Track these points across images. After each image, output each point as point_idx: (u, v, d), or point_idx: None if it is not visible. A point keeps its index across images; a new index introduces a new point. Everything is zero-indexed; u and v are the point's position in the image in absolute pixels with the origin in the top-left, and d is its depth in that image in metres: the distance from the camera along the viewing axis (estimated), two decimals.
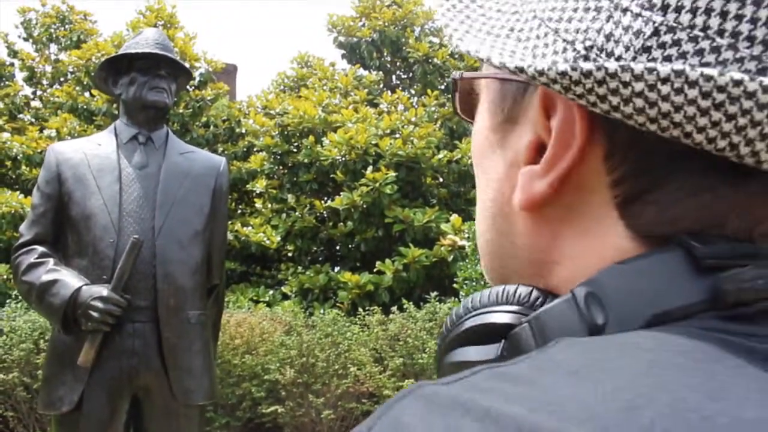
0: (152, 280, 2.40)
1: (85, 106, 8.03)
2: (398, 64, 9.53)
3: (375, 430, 0.29)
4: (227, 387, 4.78)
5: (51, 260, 2.40)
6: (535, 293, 0.42)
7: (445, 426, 0.28)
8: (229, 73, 10.26)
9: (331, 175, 6.90)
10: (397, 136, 6.94)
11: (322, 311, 5.50)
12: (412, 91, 9.41)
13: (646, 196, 0.37)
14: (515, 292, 0.42)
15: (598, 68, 0.34)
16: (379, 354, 4.86)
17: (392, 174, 6.44)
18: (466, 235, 5.00)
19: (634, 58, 0.35)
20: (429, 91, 8.16)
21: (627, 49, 0.35)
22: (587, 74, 0.34)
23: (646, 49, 0.35)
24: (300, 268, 6.84)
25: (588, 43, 0.36)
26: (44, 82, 9.69)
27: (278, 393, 4.80)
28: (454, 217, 6.26)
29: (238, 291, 6.64)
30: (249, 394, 4.80)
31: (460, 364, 0.43)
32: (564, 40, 0.38)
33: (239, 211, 8.25)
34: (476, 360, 0.42)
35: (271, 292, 6.65)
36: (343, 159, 6.78)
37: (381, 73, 9.44)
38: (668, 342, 0.32)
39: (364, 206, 6.51)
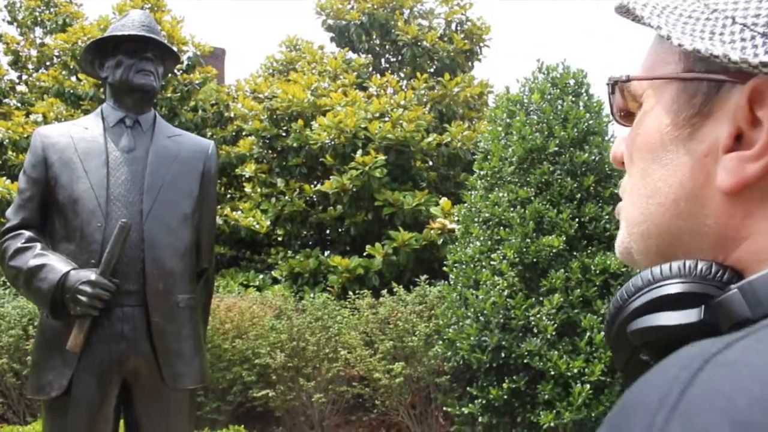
0: (141, 264, 2.39)
1: (71, 91, 7.96)
2: (387, 47, 9.48)
3: (689, 401, 0.33)
4: (218, 371, 4.78)
5: (38, 245, 2.38)
6: (715, 267, 0.47)
7: (763, 387, 0.32)
8: (217, 56, 10.19)
9: (321, 159, 6.88)
10: (387, 119, 6.92)
11: (312, 295, 5.50)
12: (402, 75, 9.37)
13: None
14: (696, 265, 0.48)
15: None
16: (369, 337, 4.88)
17: (381, 157, 6.43)
18: (456, 219, 5.00)
19: None
20: (418, 74, 8.13)
21: None
22: None
23: None
24: (290, 252, 6.84)
25: None
26: (30, 66, 9.59)
27: (269, 377, 4.81)
28: (444, 201, 6.26)
29: (228, 275, 6.63)
30: (239, 378, 4.81)
31: (658, 329, 0.48)
32: None
33: (228, 196, 8.23)
34: (675, 323, 0.47)
35: (261, 276, 6.65)
36: (333, 143, 6.75)
37: (370, 56, 9.39)
38: None
39: (354, 190, 6.50)
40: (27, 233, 2.40)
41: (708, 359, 0.35)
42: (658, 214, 0.52)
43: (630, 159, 0.56)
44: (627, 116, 0.58)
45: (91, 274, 2.27)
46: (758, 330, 0.38)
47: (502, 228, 4.11)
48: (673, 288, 0.48)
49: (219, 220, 6.86)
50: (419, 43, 8.90)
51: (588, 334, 3.74)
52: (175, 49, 2.63)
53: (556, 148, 4.12)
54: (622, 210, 0.58)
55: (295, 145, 7.00)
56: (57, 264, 2.32)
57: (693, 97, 0.49)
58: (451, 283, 4.40)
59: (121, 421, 2.52)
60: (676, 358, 0.37)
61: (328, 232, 7.33)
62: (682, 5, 0.50)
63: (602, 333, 3.65)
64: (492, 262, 4.08)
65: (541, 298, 3.87)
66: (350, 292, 5.43)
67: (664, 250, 0.53)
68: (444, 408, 4.41)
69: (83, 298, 2.23)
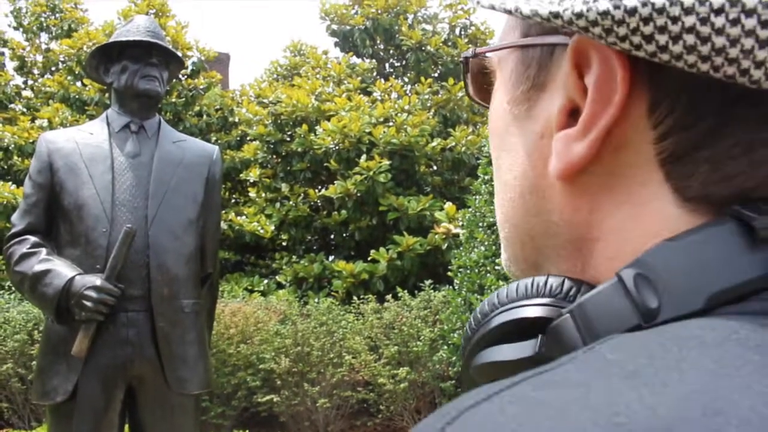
0: (146, 270, 2.39)
1: (76, 96, 7.99)
2: (391, 51, 9.49)
3: None
4: (222, 376, 4.78)
5: (44, 250, 2.38)
6: (567, 283, 0.39)
7: None
8: (221, 61, 10.21)
9: (325, 164, 6.88)
10: (391, 124, 6.92)
11: (316, 300, 5.50)
12: (406, 79, 9.38)
13: (696, 153, 0.34)
14: (546, 283, 0.39)
15: (644, 4, 0.31)
16: (374, 342, 4.87)
17: (386, 162, 6.43)
18: (460, 223, 5.00)
19: None
20: (422, 78, 8.14)
21: None
22: (632, 12, 0.31)
23: None
24: (294, 257, 6.84)
25: None
26: (35, 71, 9.62)
27: (273, 382, 4.80)
28: (448, 205, 6.25)
29: (233, 280, 6.63)
30: (244, 383, 4.81)
31: (493, 365, 0.40)
32: None
33: (233, 201, 8.23)
34: (511, 359, 0.39)
35: (265, 281, 6.65)
36: (337, 147, 6.76)
37: (374, 61, 9.40)
38: (733, 333, 0.29)
39: (358, 195, 6.50)
40: (32, 238, 2.41)
41: (457, 416, 0.27)
42: (512, 211, 0.43)
43: (491, 148, 0.47)
44: (487, 98, 0.48)
45: (97, 280, 2.27)
46: (552, 368, 0.29)
47: None
48: (517, 313, 0.39)
49: (223, 225, 6.86)
50: (423, 48, 8.91)
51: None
52: (179, 54, 2.64)
53: None
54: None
55: (299, 149, 7.00)
56: (62, 269, 2.32)
57: (528, 67, 0.40)
58: (456, 287, 4.40)
59: (126, 426, 2.52)
60: (438, 412, 0.29)
61: (332, 236, 7.33)
62: None
63: None
64: (497, 267, 4.07)
65: None
66: (355, 297, 5.43)
67: (529, 256, 0.44)
68: None
69: (88, 303, 2.24)
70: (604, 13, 0.32)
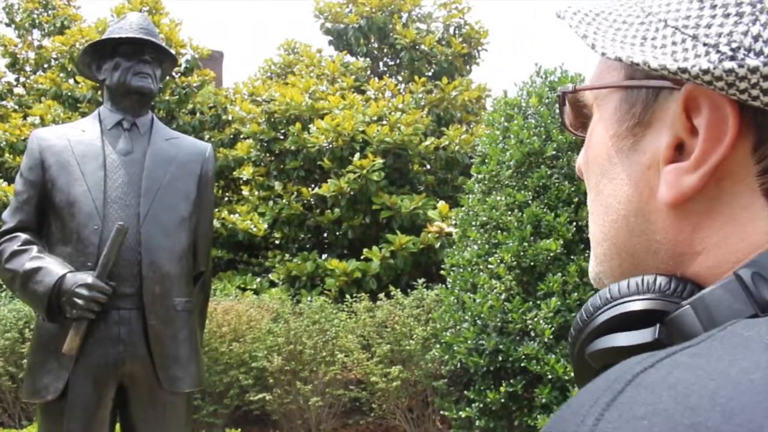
0: (137, 267, 2.38)
1: (69, 93, 7.96)
2: (385, 50, 9.49)
3: (603, 428, 0.31)
4: (215, 375, 4.77)
5: (35, 247, 2.37)
6: (675, 281, 0.45)
7: (685, 412, 0.30)
8: (215, 59, 10.20)
9: (318, 162, 6.88)
10: (384, 122, 6.92)
11: (309, 298, 5.49)
12: (400, 78, 9.37)
13: None
14: (655, 281, 0.46)
15: (765, 63, 0.38)
16: (367, 341, 4.87)
17: (379, 161, 6.43)
18: (453, 222, 5.00)
19: None
20: (416, 77, 8.13)
21: None
22: (753, 70, 0.39)
23: None
24: (287, 255, 6.83)
25: (734, 45, 0.40)
26: (27, 68, 9.58)
27: (266, 380, 4.80)
28: (441, 204, 6.26)
29: (225, 279, 6.62)
30: (236, 381, 4.80)
31: (613, 350, 0.45)
32: (705, 44, 0.41)
33: (226, 199, 8.22)
34: (630, 344, 0.44)
35: (258, 279, 6.64)
36: (330, 146, 6.75)
37: (368, 59, 9.39)
38: None
39: (351, 193, 6.49)
40: (23, 236, 2.40)
41: (631, 379, 0.33)
42: (614, 231, 0.50)
43: (586, 173, 0.54)
44: (581, 128, 0.56)
45: (88, 277, 2.26)
46: (696, 343, 0.35)
47: (499, 231, 4.11)
48: (631, 306, 0.46)
49: (216, 223, 6.85)
50: (417, 47, 8.91)
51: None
52: (173, 51, 2.63)
53: (554, 152, 4.12)
54: (590, 230, 0.55)
55: (292, 148, 6.99)
56: (53, 267, 2.31)
57: (633, 106, 0.47)
58: (449, 286, 4.40)
59: (117, 425, 2.51)
60: (603, 379, 0.35)
61: (325, 235, 7.33)
62: (618, 10, 0.48)
63: None
64: (489, 266, 4.07)
65: (538, 302, 3.86)
66: (348, 296, 5.42)
67: (627, 270, 0.50)
68: (441, 412, 4.41)
69: (79, 301, 2.23)
70: (729, 71, 0.39)
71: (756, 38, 0.39)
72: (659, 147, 0.45)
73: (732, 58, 0.40)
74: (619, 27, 0.47)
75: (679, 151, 0.45)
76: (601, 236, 0.52)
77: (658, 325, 0.44)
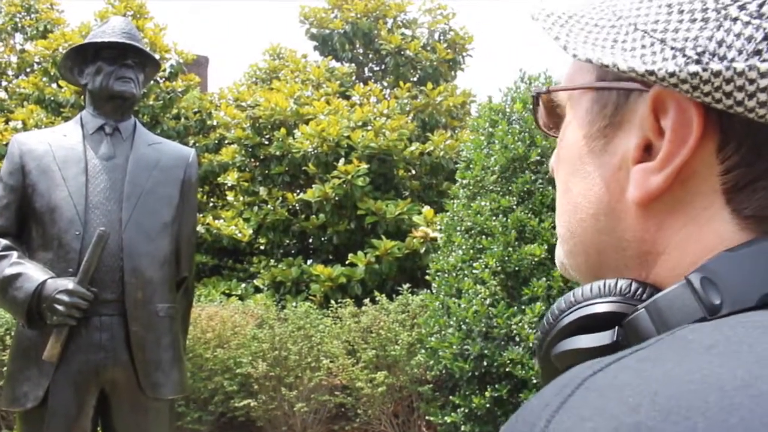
0: (119, 273, 2.36)
1: (52, 98, 7.89)
2: (370, 56, 9.50)
3: (553, 429, 0.32)
4: (199, 381, 4.74)
5: (15, 253, 2.34)
6: (635, 285, 0.46)
7: (628, 412, 0.31)
8: (200, 64, 10.15)
9: (303, 168, 6.86)
10: (369, 128, 6.92)
11: (294, 304, 5.47)
12: (385, 83, 9.39)
13: (756, 183, 0.42)
14: (616, 284, 0.47)
15: (728, 68, 0.39)
16: (352, 346, 4.86)
17: (364, 166, 6.43)
18: (438, 227, 5.00)
19: (746, 60, 0.39)
20: (401, 83, 8.15)
21: (740, 52, 0.40)
22: (716, 74, 0.39)
23: (758, 52, 0.39)
24: (272, 260, 6.80)
25: (699, 49, 0.41)
26: (9, 72, 9.50)
27: (251, 386, 4.77)
28: (426, 209, 6.26)
29: (210, 284, 6.59)
30: (221, 387, 4.77)
31: (575, 352, 0.47)
32: (672, 48, 0.42)
33: (211, 204, 8.18)
34: (591, 346, 0.46)
35: (243, 285, 6.61)
36: (315, 151, 6.74)
37: (353, 65, 9.40)
38: None
39: (336, 198, 6.49)
40: (3, 241, 2.37)
41: (580, 383, 0.34)
42: (581, 230, 0.51)
43: (556, 172, 0.55)
44: (555, 128, 0.57)
45: (69, 283, 2.24)
46: (644, 347, 0.37)
47: (484, 237, 4.11)
48: (593, 308, 0.47)
49: (201, 229, 6.81)
50: (402, 53, 8.93)
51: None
52: (157, 57, 2.61)
53: (538, 157, 4.14)
54: (557, 227, 0.57)
55: (277, 153, 6.98)
56: (33, 273, 2.28)
57: (604, 108, 0.48)
58: (434, 291, 4.40)
59: None
60: (555, 383, 0.36)
61: (310, 240, 7.31)
62: (590, 13, 0.49)
63: None
64: (474, 271, 4.08)
65: (523, 307, 3.87)
66: (332, 301, 5.41)
67: (593, 266, 0.52)
68: (426, 417, 4.40)
69: (60, 308, 2.20)
70: (694, 74, 0.40)
71: (720, 43, 0.40)
72: (629, 148, 0.46)
73: (697, 62, 0.41)
74: (590, 30, 0.48)
75: (647, 152, 0.46)
76: (567, 234, 0.53)
77: (616, 328, 0.46)
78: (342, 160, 6.55)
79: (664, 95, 0.44)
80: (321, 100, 7.48)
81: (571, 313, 0.49)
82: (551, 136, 0.58)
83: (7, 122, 7.89)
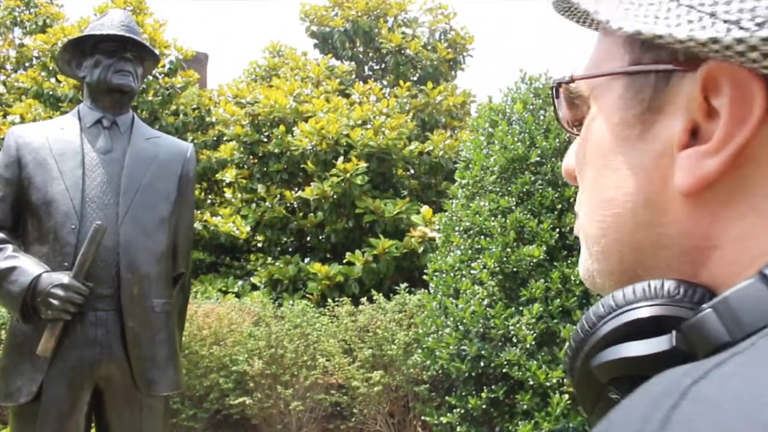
0: (115, 268, 2.34)
1: (50, 92, 7.86)
2: (371, 54, 9.48)
3: None
4: (194, 378, 4.72)
5: (10, 246, 2.32)
6: (684, 286, 0.42)
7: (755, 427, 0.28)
8: (200, 61, 10.13)
9: (302, 166, 6.84)
10: (369, 126, 6.90)
11: (291, 302, 5.45)
12: (384, 82, 9.37)
13: None
14: (662, 286, 0.42)
15: None
16: (349, 345, 4.84)
17: (363, 165, 6.41)
18: (437, 227, 4.99)
19: None
20: (401, 82, 8.13)
21: None
22: None
23: None
24: (269, 258, 6.79)
25: (758, 20, 0.37)
26: (8, 67, 9.47)
27: (246, 384, 4.75)
28: (425, 209, 6.25)
29: (207, 281, 6.57)
30: (217, 385, 4.75)
31: (623, 361, 0.42)
32: (726, 21, 0.38)
33: (208, 201, 8.16)
34: (645, 354, 0.41)
35: (240, 282, 6.59)
36: (314, 149, 6.72)
37: (353, 63, 9.38)
38: None
39: (335, 197, 6.47)
40: None
41: (683, 394, 0.31)
42: (616, 225, 0.47)
43: (581, 170, 0.51)
44: (577, 124, 0.52)
45: (64, 278, 2.22)
46: (742, 351, 0.33)
47: (482, 237, 4.10)
48: (639, 313, 0.43)
49: (199, 226, 6.79)
50: (403, 52, 8.92)
51: (567, 344, 3.74)
52: (157, 53, 2.59)
53: (538, 158, 4.12)
54: (580, 229, 0.51)
55: (276, 151, 6.96)
56: (28, 266, 2.26)
57: (641, 92, 0.44)
58: (431, 291, 4.38)
59: (93, 429, 2.47)
60: (645, 394, 0.32)
61: (308, 238, 7.29)
62: None
63: None
64: (472, 271, 4.06)
65: (520, 308, 3.86)
66: (329, 300, 5.40)
67: (628, 268, 0.47)
68: (422, 417, 4.38)
69: (55, 302, 2.18)
70: (765, 39, 0.36)
71: None
72: (673, 133, 0.43)
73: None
74: (627, 7, 0.44)
75: (693, 137, 0.42)
76: (599, 233, 0.48)
77: (674, 333, 0.41)
78: (341, 159, 6.53)
79: (718, 72, 0.40)
80: (320, 98, 7.46)
81: (612, 318, 0.44)
82: (573, 135, 0.53)
83: (5, 116, 7.86)
